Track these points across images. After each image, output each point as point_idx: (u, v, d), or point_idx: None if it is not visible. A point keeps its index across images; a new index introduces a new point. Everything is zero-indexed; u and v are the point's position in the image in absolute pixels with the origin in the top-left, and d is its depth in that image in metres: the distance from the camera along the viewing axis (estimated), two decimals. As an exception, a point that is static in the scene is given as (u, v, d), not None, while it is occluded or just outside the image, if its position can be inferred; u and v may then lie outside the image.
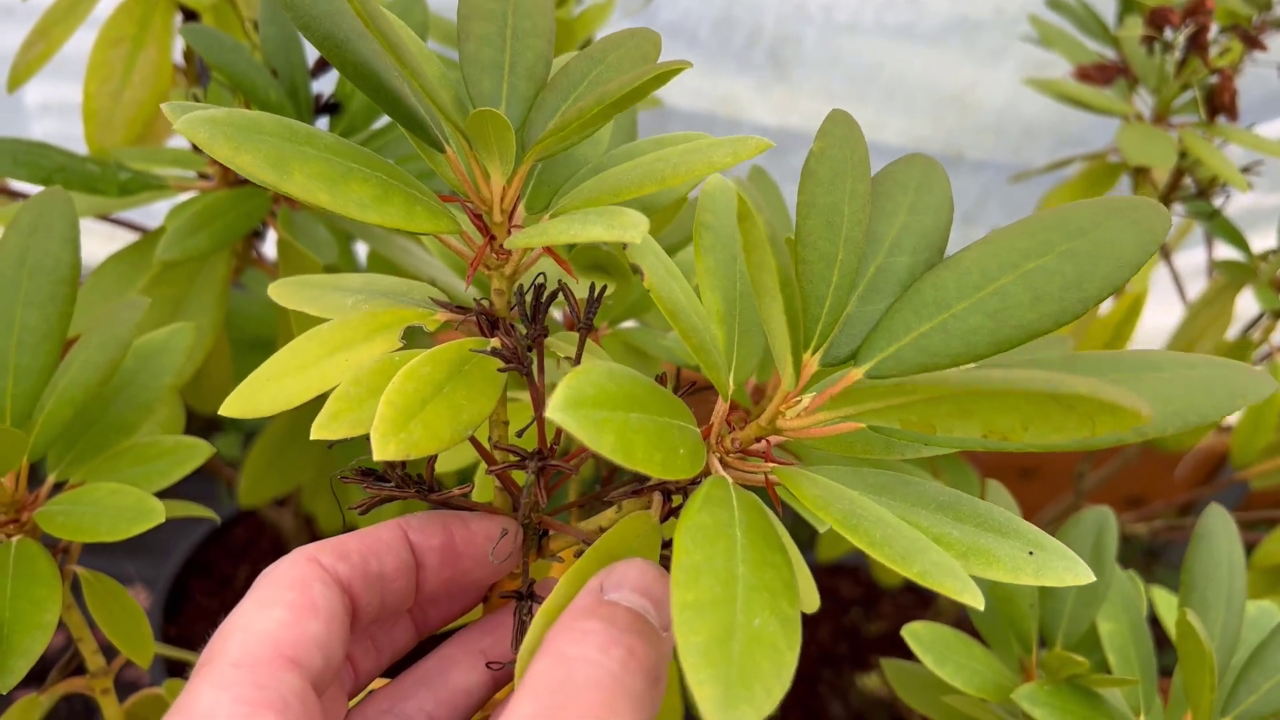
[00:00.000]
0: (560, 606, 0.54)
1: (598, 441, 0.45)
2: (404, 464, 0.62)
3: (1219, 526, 0.87)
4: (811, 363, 0.59)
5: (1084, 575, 0.54)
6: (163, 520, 0.73)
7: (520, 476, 0.63)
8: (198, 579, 1.89)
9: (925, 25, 1.97)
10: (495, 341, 0.60)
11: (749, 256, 0.51)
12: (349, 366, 0.59)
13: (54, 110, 1.99)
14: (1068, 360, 0.55)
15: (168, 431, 1.04)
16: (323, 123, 1.08)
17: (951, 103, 2.05)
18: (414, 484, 0.62)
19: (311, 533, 1.73)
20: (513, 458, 0.62)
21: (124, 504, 0.74)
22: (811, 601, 0.71)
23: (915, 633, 0.88)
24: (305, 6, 0.57)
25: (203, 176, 1.08)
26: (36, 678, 0.90)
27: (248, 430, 2.21)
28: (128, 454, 0.82)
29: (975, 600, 0.49)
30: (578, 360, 0.63)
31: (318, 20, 0.58)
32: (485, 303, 0.64)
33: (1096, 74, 1.38)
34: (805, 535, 1.84)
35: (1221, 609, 0.83)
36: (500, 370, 0.59)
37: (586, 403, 0.46)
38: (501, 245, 0.62)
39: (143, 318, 0.99)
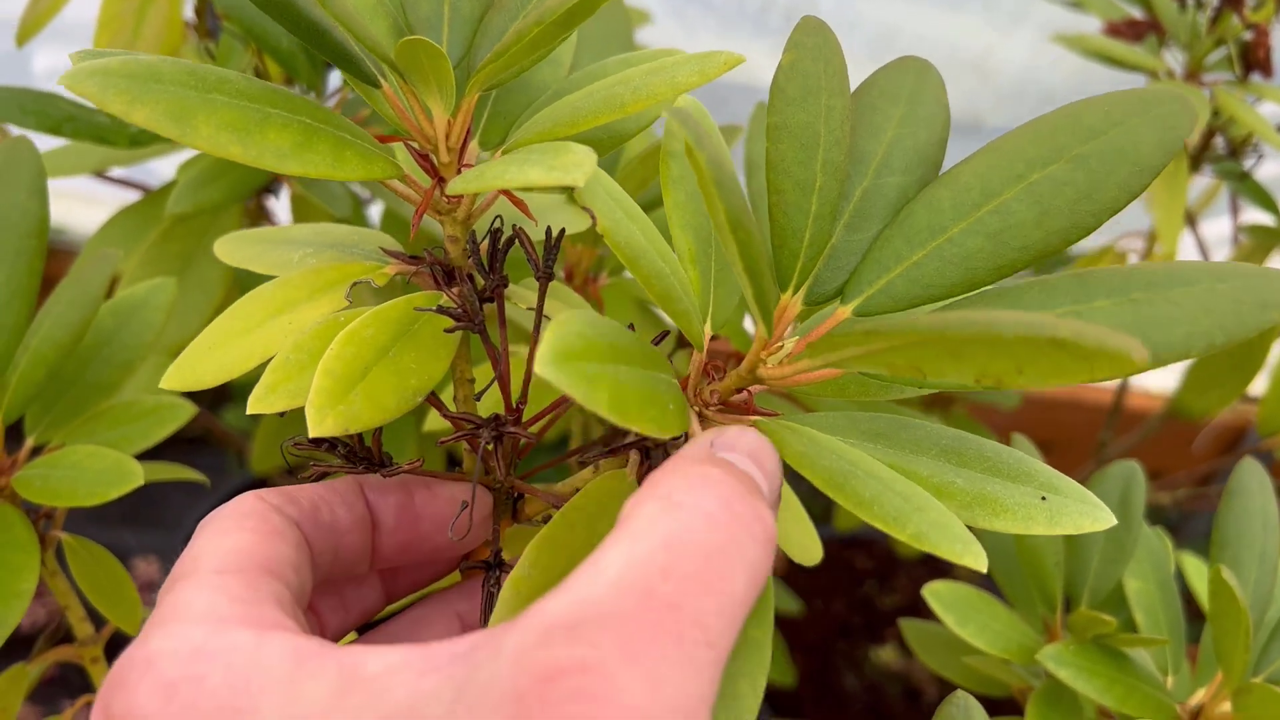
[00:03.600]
0: (527, 576, 0.48)
1: (593, 399, 0.40)
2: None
3: (1253, 481, 0.82)
4: (794, 303, 0.53)
5: (1104, 519, 0.49)
6: (141, 483, 0.68)
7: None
8: (208, 550, 1.81)
9: (944, -12, 1.93)
10: (444, 298, 0.54)
11: (705, 197, 0.44)
12: (292, 330, 0.53)
13: (63, 75, 1.91)
14: (1081, 279, 0.48)
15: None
16: (338, 73, 1.03)
17: (970, 68, 2.00)
18: (363, 459, 0.56)
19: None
20: (467, 425, 0.55)
21: (102, 467, 0.70)
22: (814, 553, 0.66)
23: (937, 592, 0.85)
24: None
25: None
26: (25, 646, 0.87)
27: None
28: (107, 415, 0.78)
29: (977, 563, 0.43)
30: (538, 314, 0.56)
31: (220, -51, 0.51)
32: (438, 252, 0.57)
33: (1126, 29, 1.33)
34: (818, 509, 1.82)
35: (1254, 566, 0.78)
36: (449, 331, 0.53)
37: (575, 355, 0.40)
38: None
39: (153, 272, 0.96)
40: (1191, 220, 1.52)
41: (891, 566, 2.00)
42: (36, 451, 0.77)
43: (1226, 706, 0.75)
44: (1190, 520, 2.09)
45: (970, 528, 0.46)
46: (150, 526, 1.77)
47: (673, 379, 0.47)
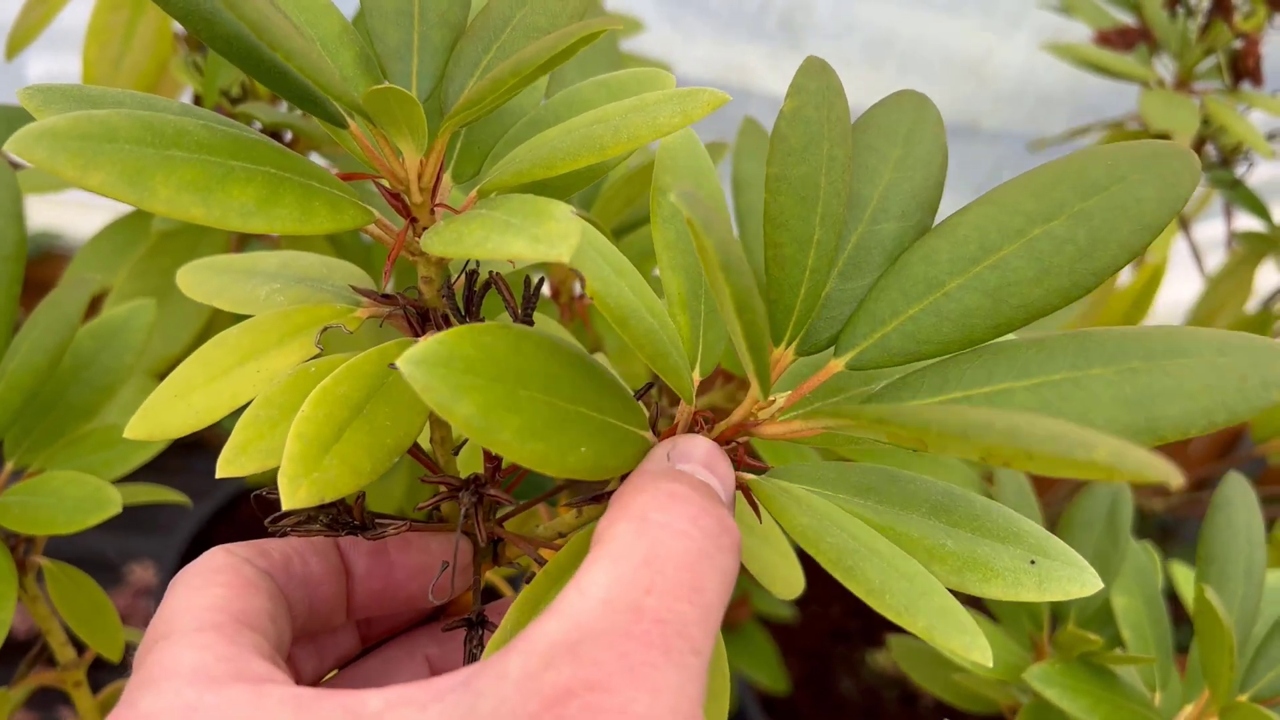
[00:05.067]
0: (512, 634, 0.47)
1: (449, 408, 0.38)
2: None
3: (1238, 495, 0.81)
4: (786, 355, 0.51)
5: (1090, 584, 0.48)
6: (119, 511, 0.67)
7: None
8: (204, 556, 1.78)
9: (942, -9, 1.92)
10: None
11: (708, 274, 0.43)
12: (261, 378, 0.50)
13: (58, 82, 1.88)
14: (1079, 341, 0.47)
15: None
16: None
17: (968, 72, 1.98)
18: (345, 524, 0.53)
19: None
20: (445, 488, 0.54)
21: (80, 494, 0.68)
22: (796, 586, 0.65)
23: (921, 611, 0.84)
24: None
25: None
26: (22, 650, 0.86)
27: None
28: (88, 439, 0.76)
29: (984, 658, 0.43)
30: None
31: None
32: (412, 292, 0.54)
33: (1117, 38, 1.32)
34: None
35: (1240, 581, 0.78)
36: None
37: (455, 363, 0.39)
38: (424, 229, 0.52)
39: (141, 288, 0.95)
40: (1185, 224, 1.51)
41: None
42: (17, 475, 0.76)
43: (1214, 724, 0.75)
44: (1184, 525, 2.08)
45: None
46: (147, 531, 1.76)
47: (624, 425, 0.46)
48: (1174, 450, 2.07)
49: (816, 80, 0.52)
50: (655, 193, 0.54)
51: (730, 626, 1.56)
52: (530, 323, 0.53)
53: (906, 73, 2.00)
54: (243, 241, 1.10)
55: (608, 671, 0.38)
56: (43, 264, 1.89)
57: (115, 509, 0.67)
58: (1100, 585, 0.48)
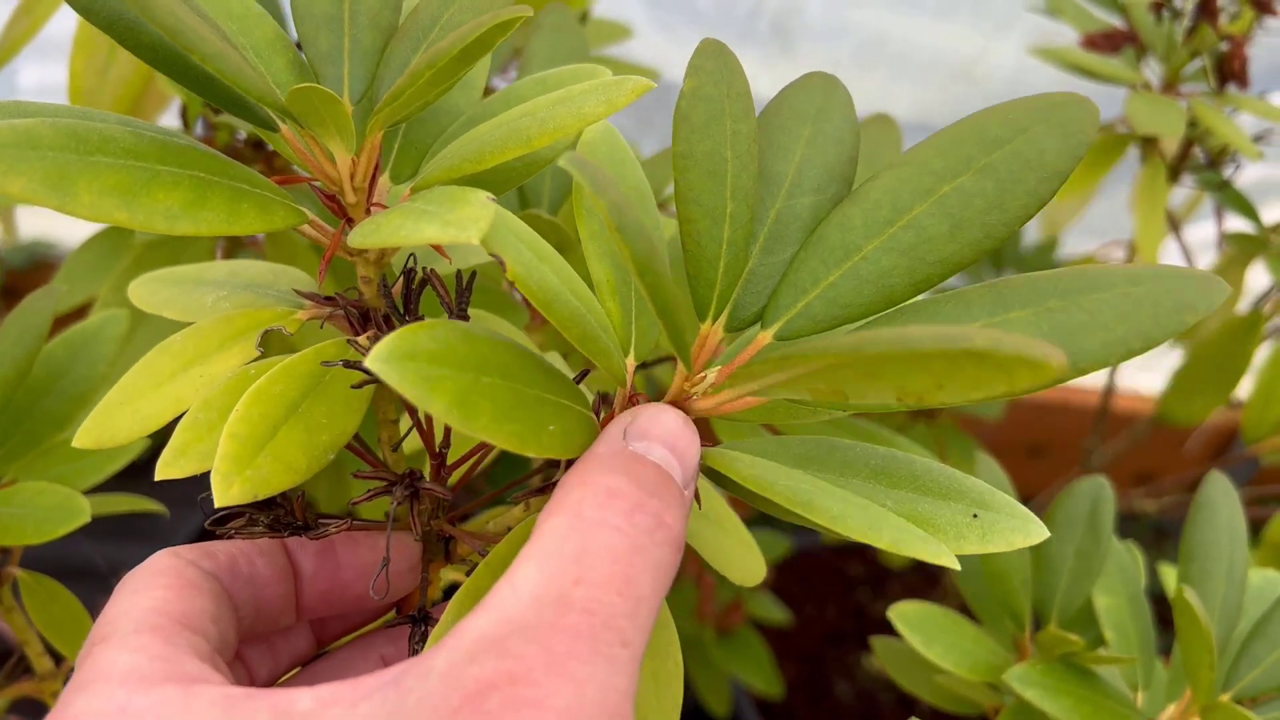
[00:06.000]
0: (450, 628, 0.46)
1: (426, 400, 0.38)
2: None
3: (1219, 494, 0.81)
4: (714, 331, 0.51)
5: (1036, 534, 0.48)
6: (88, 519, 0.67)
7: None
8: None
9: (933, -5, 1.92)
10: (351, 350, 0.52)
11: (614, 241, 0.43)
12: (204, 382, 0.51)
13: (49, 92, 1.88)
14: (996, 290, 0.48)
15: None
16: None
17: (959, 74, 1.98)
18: (287, 524, 0.53)
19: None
20: (381, 482, 0.54)
21: (51, 503, 0.68)
22: (757, 574, 0.65)
23: (903, 613, 0.84)
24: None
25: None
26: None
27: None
28: (60, 449, 0.76)
29: (951, 562, 0.43)
30: None
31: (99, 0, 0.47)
32: (353, 293, 0.55)
33: (1104, 42, 1.32)
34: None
35: (1222, 580, 0.78)
36: (357, 386, 0.51)
37: (420, 357, 0.39)
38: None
39: (124, 299, 0.94)
40: (1175, 226, 1.50)
41: (883, 574, 1.98)
42: (-10, 486, 0.75)
43: (1195, 724, 0.74)
44: (1177, 527, 2.07)
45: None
46: (141, 540, 1.75)
47: (574, 405, 0.46)
48: (1167, 453, 2.07)
49: (714, 60, 0.53)
50: (575, 188, 0.54)
51: (724, 631, 1.55)
52: (466, 318, 0.53)
53: (898, 75, 2.00)
54: (230, 251, 1.09)
55: (530, 665, 0.38)
56: (35, 273, 1.89)
57: (85, 518, 0.67)
58: (1047, 534, 0.48)
